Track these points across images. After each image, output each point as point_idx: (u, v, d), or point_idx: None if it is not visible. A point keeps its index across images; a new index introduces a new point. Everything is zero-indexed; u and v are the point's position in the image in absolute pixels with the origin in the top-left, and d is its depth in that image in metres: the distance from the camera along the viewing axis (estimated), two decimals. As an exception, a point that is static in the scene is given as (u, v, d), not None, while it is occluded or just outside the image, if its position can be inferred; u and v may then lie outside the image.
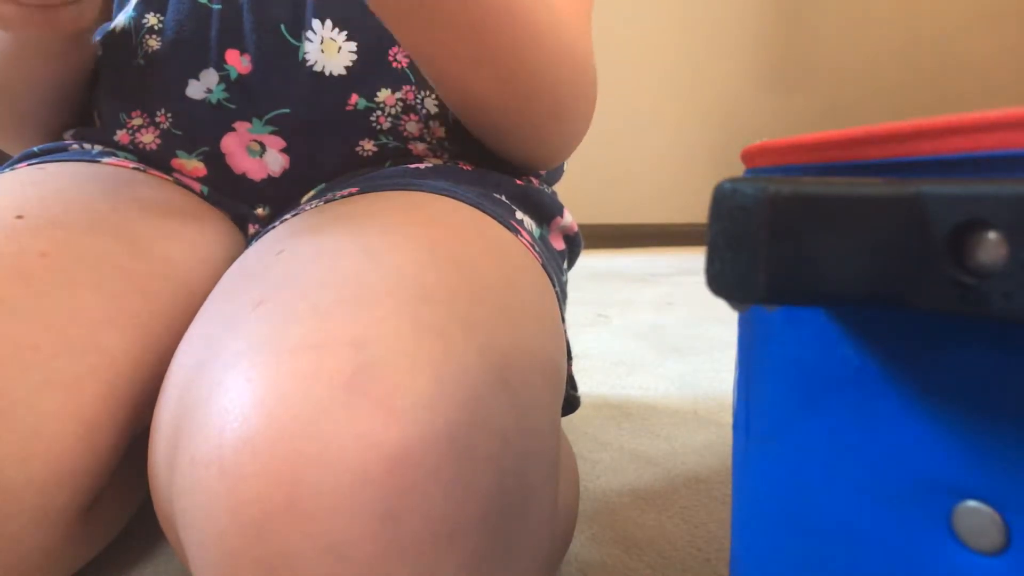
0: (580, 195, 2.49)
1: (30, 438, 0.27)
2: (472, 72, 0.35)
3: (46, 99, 0.45)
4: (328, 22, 0.41)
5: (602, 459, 0.55)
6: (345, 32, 0.41)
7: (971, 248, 0.11)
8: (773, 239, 0.12)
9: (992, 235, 0.11)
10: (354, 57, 0.41)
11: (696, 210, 2.74)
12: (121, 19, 0.44)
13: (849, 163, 0.15)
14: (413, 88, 0.42)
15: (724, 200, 0.12)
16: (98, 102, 0.45)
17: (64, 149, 0.44)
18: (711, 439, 0.60)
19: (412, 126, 0.43)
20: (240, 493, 0.21)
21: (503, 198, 0.39)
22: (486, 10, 0.32)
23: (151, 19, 0.42)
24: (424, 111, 0.42)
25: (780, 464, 0.16)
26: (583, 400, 0.71)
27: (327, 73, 0.41)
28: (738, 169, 2.78)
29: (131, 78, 0.43)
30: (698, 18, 2.66)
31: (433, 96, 0.42)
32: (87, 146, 0.44)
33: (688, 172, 2.75)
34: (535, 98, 0.37)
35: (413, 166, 0.40)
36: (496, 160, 0.43)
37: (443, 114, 0.43)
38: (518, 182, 0.41)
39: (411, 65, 0.42)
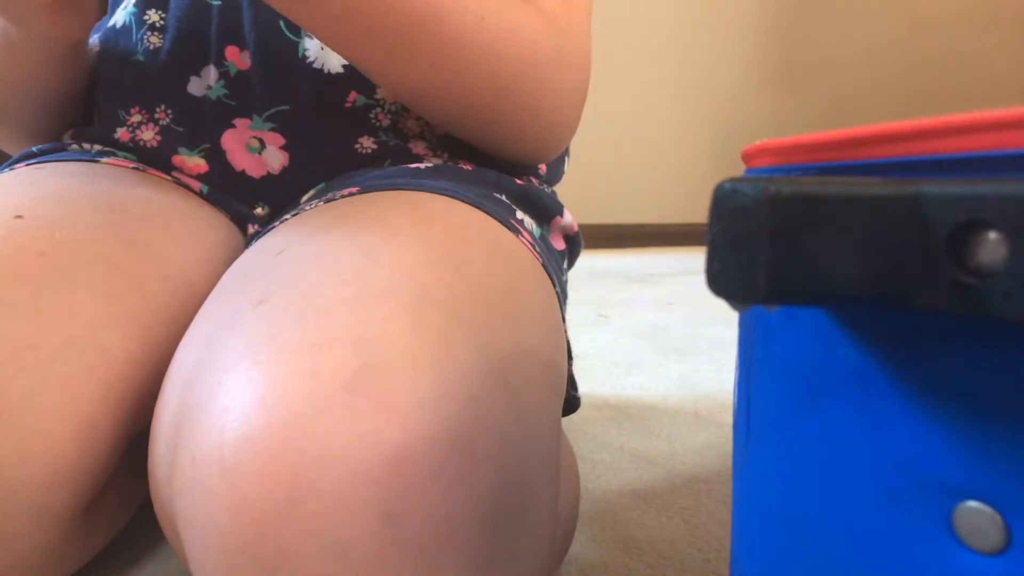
0: (580, 195, 2.49)
1: (29, 437, 0.27)
2: (401, 71, 0.35)
3: (41, 108, 0.44)
4: None
5: (602, 459, 0.55)
6: None
7: (971, 248, 0.11)
8: (773, 239, 0.12)
9: (992, 235, 0.11)
10: None
11: (696, 210, 2.74)
12: (121, 16, 0.44)
13: (849, 163, 0.15)
14: None
15: (724, 200, 0.12)
16: (97, 100, 0.45)
17: (63, 149, 0.44)
18: (711, 439, 0.60)
19: (412, 124, 0.43)
20: (240, 492, 0.21)
21: (503, 198, 0.39)
22: (406, 19, 0.33)
23: (152, 15, 0.42)
24: None
25: (780, 464, 0.16)
26: (583, 400, 0.71)
27: (326, 70, 0.41)
28: (738, 169, 2.78)
29: (130, 75, 0.43)
30: (698, 18, 2.66)
31: None
32: (86, 146, 0.44)
33: (688, 172, 2.75)
34: (479, 94, 0.37)
35: (413, 166, 0.40)
36: (496, 160, 0.43)
37: None
38: (518, 182, 0.41)
39: None
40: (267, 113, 0.42)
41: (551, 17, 0.39)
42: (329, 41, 0.34)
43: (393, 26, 0.33)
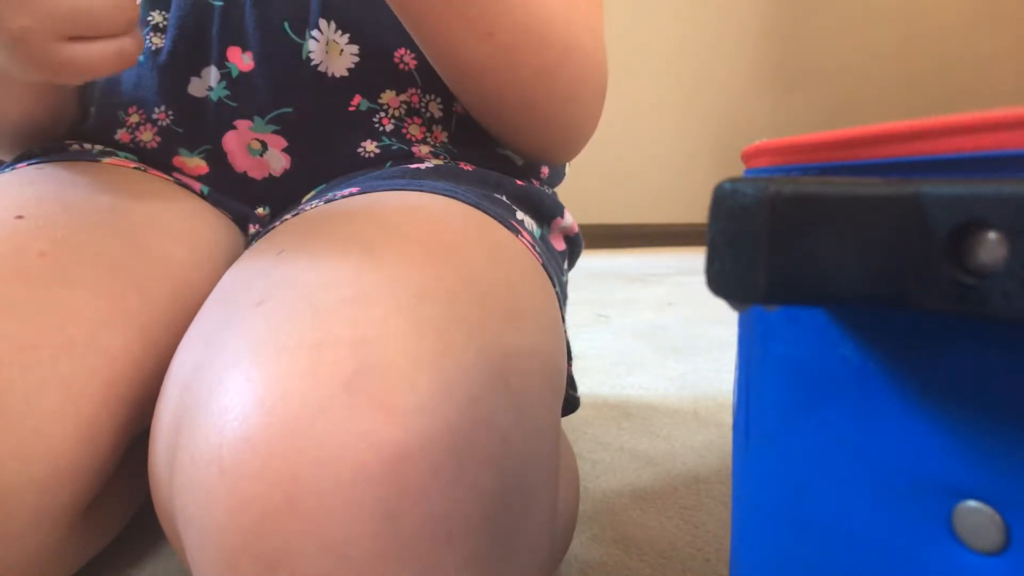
0: (580, 195, 2.49)
1: (30, 438, 0.27)
2: (472, 44, 0.36)
3: (34, 121, 0.43)
4: (332, 23, 0.41)
5: (602, 459, 0.55)
6: (348, 35, 0.41)
7: (971, 248, 0.11)
8: (773, 239, 0.12)
9: (992, 235, 0.11)
10: (356, 60, 0.41)
11: (696, 210, 2.74)
12: None
13: (849, 163, 0.15)
14: (418, 91, 0.42)
15: (724, 200, 0.12)
16: (96, 101, 0.45)
17: (64, 149, 0.43)
18: (711, 439, 0.60)
19: (415, 129, 0.43)
20: (240, 492, 0.21)
21: (504, 198, 0.39)
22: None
23: (156, 16, 0.42)
24: (428, 115, 0.42)
25: (780, 464, 0.16)
26: (583, 400, 0.71)
27: (330, 74, 0.41)
28: (738, 169, 2.78)
29: (130, 75, 0.43)
30: (698, 18, 2.66)
31: (438, 100, 0.42)
32: (87, 146, 0.44)
33: (688, 172, 2.75)
34: (535, 74, 0.37)
35: (414, 166, 0.40)
36: (497, 161, 0.43)
37: (447, 119, 0.43)
38: (519, 183, 0.41)
39: (419, 68, 0.42)
40: (269, 116, 0.42)
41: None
42: (398, 7, 0.34)
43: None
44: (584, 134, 0.43)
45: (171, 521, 0.25)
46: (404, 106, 0.42)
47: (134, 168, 0.42)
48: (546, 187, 0.47)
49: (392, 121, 0.42)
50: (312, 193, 0.42)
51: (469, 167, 0.41)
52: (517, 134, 0.42)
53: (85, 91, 0.46)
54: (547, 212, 0.42)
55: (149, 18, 0.42)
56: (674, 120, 2.70)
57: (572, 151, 0.44)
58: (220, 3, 0.41)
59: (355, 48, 0.41)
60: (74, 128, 0.46)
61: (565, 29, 0.37)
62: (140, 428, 0.32)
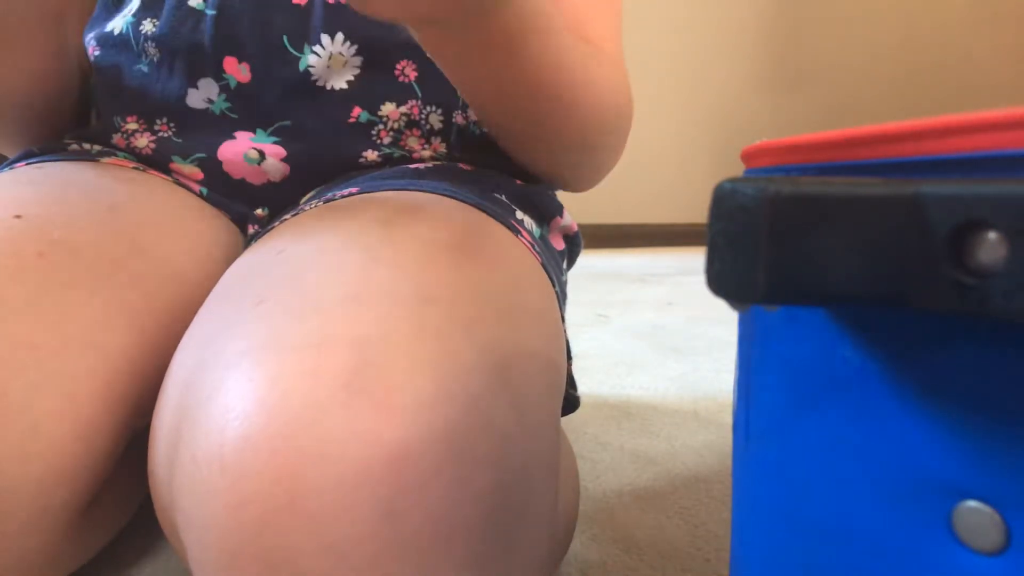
0: (580, 195, 2.49)
1: (29, 437, 0.27)
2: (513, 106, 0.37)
3: (33, 112, 0.43)
4: (339, 35, 0.41)
5: (602, 459, 0.55)
6: (355, 46, 0.41)
7: (971, 248, 0.11)
8: (773, 239, 0.12)
9: (992, 235, 0.11)
10: (357, 72, 0.41)
11: (696, 210, 2.74)
12: (120, 23, 0.44)
13: (849, 163, 0.15)
14: (419, 103, 0.42)
15: (724, 200, 0.12)
16: (96, 102, 0.45)
17: (64, 149, 0.43)
18: (711, 439, 0.60)
19: (413, 141, 0.43)
20: (241, 491, 0.21)
21: (503, 198, 0.39)
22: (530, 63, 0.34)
23: (147, 25, 0.42)
24: (428, 127, 0.42)
25: (780, 464, 0.16)
26: (583, 400, 0.71)
27: (329, 87, 0.41)
28: (738, 169, 2.78)
29: (131, 84, 0.43)
30: (698, 18, 2.66)
31: (439, 112, 0.42)
32: (86, 146, 0.44)
33: (688, 172, 2.75)
34: (562, 118, 0.38)
35: (413, 166, 0.40)
36: (496, 161, 0.43)
37: (446, 131, 0.43)
38: (518, 182, 0.41)
39: (418, 79, 0.42)
40: (270, 128, 0.41)
41: (599, 47, 0.42)
42: (447, 66, 0.35)
43: (499, 42, 0.33)
44: (608, 168, 0.46)
45: (171, 521, 0.25)
46: (404, 118, 0.42)
47: (133, 168, 0.42)
48: (545, 187, 0.47)
49: (390, 134, 0.42)
50: (311, 193, 0.42)
51: (469, 167, 0.41)
52: (541, 167, 0.43)
53: (87, 92, 0.46)
54: (547, 211, 0.42)
55: (141, 27, 0.42)
56: (674, 120, 2.70)
57: (594, 181, 0.47)
58: (212, 12, 0.41)
59: (359, 60, 0.41)
60: (74, 129, 0.46)
61: (565, 77, 0.37)
62: (139, 427, 0.32)
